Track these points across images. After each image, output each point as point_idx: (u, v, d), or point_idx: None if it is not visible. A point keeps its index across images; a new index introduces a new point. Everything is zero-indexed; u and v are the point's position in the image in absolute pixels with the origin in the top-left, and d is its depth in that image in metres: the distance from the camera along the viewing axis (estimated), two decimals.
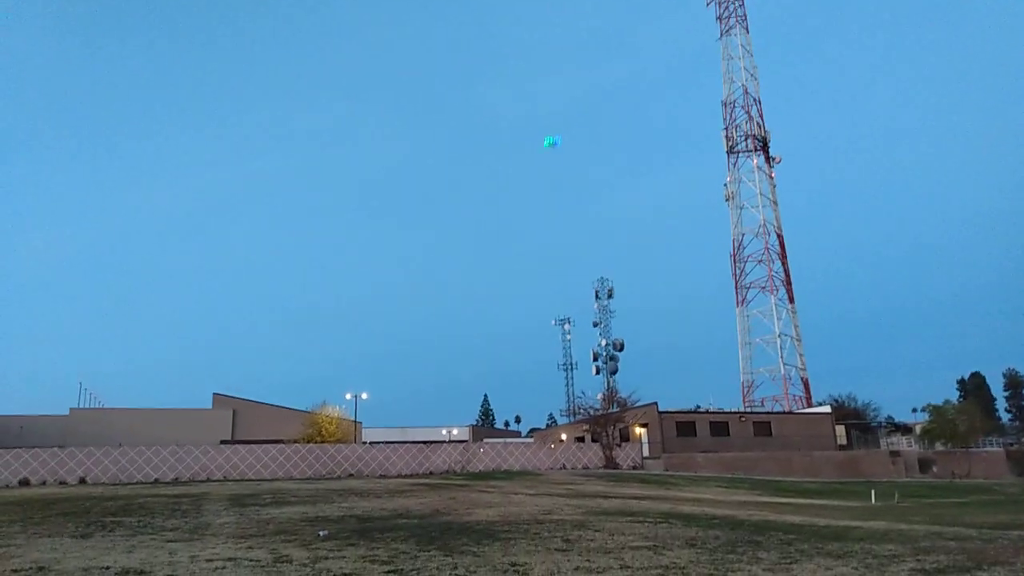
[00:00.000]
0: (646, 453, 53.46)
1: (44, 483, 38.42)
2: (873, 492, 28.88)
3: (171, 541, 12.39)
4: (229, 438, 55.59)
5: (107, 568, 9.41)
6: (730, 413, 64.93)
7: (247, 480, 39.91)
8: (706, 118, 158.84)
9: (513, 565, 9.33)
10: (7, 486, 37.12)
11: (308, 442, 49.29)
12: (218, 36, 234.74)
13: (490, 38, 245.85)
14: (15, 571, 9.29)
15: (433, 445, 50.28)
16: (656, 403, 58.29)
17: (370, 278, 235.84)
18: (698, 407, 67.58)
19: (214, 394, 62.02)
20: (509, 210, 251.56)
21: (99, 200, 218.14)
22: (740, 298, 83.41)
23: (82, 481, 39.21)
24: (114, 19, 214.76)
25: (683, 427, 58.83)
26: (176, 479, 40.39)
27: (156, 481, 39.15)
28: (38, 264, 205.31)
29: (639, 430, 57.39)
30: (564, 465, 49.23)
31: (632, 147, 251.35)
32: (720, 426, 60.10)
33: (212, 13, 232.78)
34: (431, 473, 44.40)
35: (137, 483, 38.21)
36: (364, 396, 57.45)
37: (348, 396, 57.11)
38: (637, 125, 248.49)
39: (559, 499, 22.03)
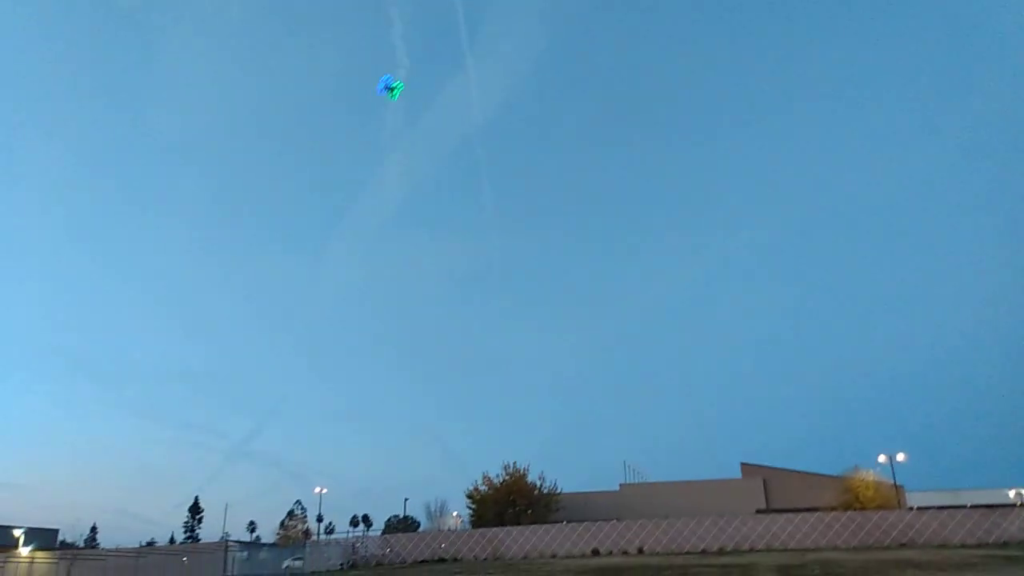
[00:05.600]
0: None
1: (610, 553, 43.56)
2: None
3: None
4: (763, 507, 55.67)
5: None
6: None
7: (789, 550, 39.31)
8: None
9: None
10: (583, 555, 43.11)
11: (845, 509, 46.50)
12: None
13: None
14: None
15: (1001, 510, 42.76)
16: None
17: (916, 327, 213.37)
18: None
19: (742, 464, 63.13)
20: None
21: (612, 299, 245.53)
22: None
23: (640, 551, 43.36)
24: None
25: None
26: (720, 549, 41.86)
27: (703, 551, 41.16)
28: (569, 365, 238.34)
29: None
30: None
31: None
32: None
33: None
34: (1005, 543, 37.66)
35: (686, 552, 40.77)
36: (900, 457, 52.24)
37: (882, 459, 52.58)
38: None
39: None
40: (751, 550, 40.28)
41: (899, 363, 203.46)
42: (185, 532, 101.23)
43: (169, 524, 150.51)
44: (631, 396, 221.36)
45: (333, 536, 71.03)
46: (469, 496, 56.10)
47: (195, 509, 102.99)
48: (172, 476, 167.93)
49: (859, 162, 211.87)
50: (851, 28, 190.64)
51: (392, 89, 25.88)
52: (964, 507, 45.56)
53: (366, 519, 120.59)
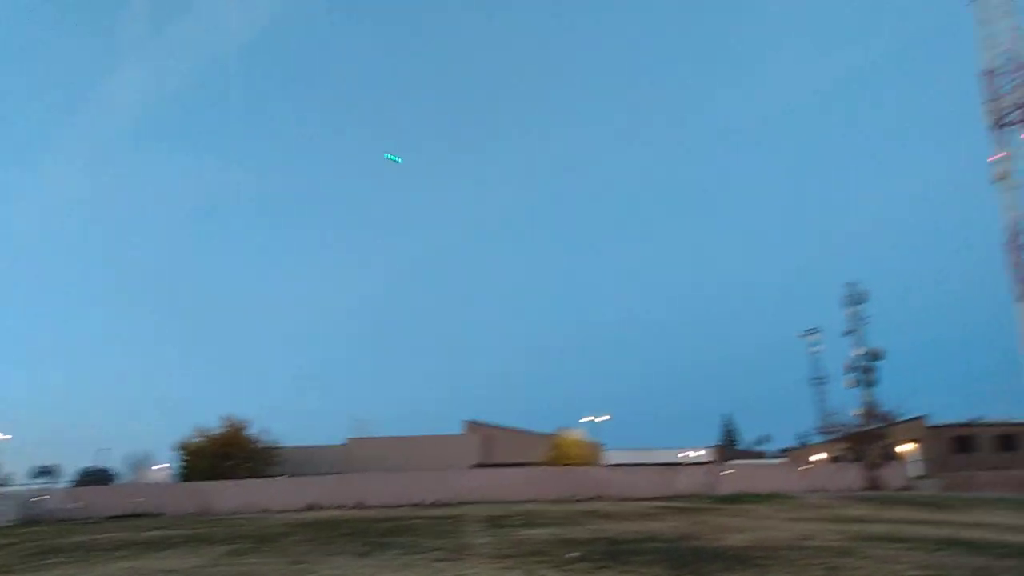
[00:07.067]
0: (915, 472, 48.15)
1: (328, 507, 43.18)
2: None
3: (438, 560, 13.41)
4: (480, 462, 58.71)
5: None
6: (1019, 425, 56.58)
7: (499, 502, 41.86)
8: (957, 93, 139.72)
9: None
10: (298, 509, 42.24)
11: (552, 465, 50.63)
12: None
13: (708, 43, 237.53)
14: None
15: (676, 467, 49.35)
16: (925, 416, 52.46)
17: (608, 304, 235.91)
18: (977, 418, 59.67)
19: (464, 421, 65.93)
20: (744, 217, 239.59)
21: (367, 247, 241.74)
22: (1022, 292, 72.75)
23: (358, 505, 43.51)
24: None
25: (960, 442, 52.47)
26: (436, 502, 43.40)
27: (419, 504, 42.37)
28: (317, 313, 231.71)
29: (906, 447, 51.92)
30: (821, 487, 45.84)
31: (865, 140, 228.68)
32: (1007, 440, 52.76)
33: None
34: (675, 496, 43.53)
35: (404, 505, 41.68)
36: (603, 418, 58.12)
37: (587, 419, 58.09)
38: (871, 115, 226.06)
39: (818, 524, 20.62)
40: (465, 503, 42.23)
41: (607, 334, 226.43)
42: None
43: None
44: (370, 352, 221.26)
45: (8, 488, 62.26)
46: (181, 448, 52.38)
47: None
48: None
49: (606, 143, 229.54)
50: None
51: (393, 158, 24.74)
52: (648, 465, 51.90)
53: (51, 470, 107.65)
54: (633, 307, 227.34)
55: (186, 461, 51.93)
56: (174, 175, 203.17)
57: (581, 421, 59.12)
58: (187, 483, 46.88)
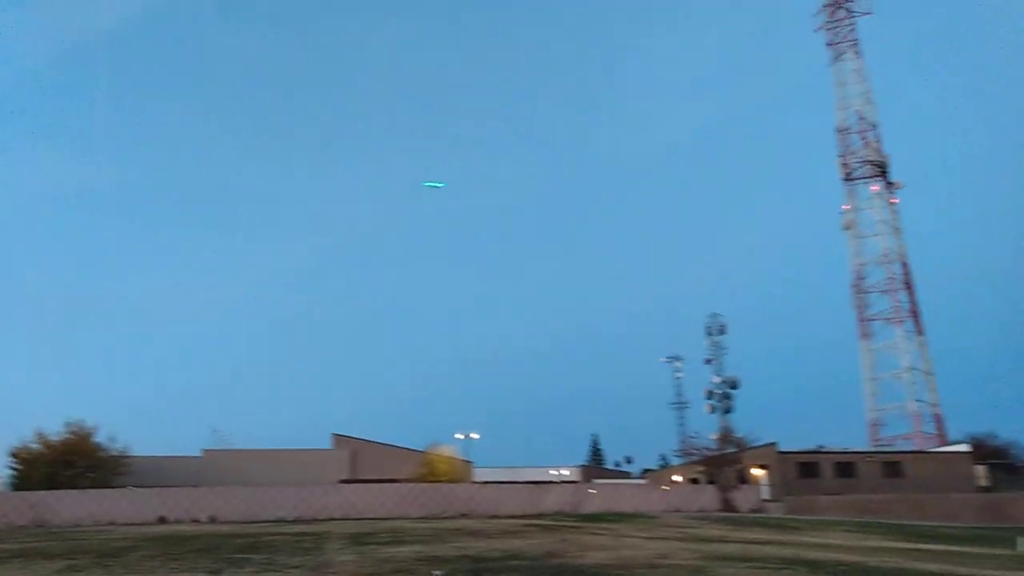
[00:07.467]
0: (765, 495, 51.12)
1: (179, 521, 40.75)
2: (1021, 540, 26.46)
3: None
4: (348, 477, 57.27)
5: None
6: (856, 453, 61.43)
7: (365, 519, 40.93)
8: (818, 145, 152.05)
9: None
10: (146, 523, 39.63)
11: (422, 481, 50.12)
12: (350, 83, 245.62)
13: (595, 83, 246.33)
14: None
15: (544, 486, 50.01)
16: (775, 443, 55.84)
17: (485, 320, 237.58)
18: (821, 447, 64.35)
19: (333, 434, 64.10)
20: (615, 249, 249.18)
21: (238, 255, 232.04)
22: (863, 331, 79.40)
23: (212, 520, 41.33)
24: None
25: (805, 468, 56.13)
26: (299, 518, 41.89)
27: (280, 520, 40.74)
28: (179, 318, 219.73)
29: (757, 471, 55.07)
30: (678, 508, 47.78)
31: (737, 182, 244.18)
32: (846, 467, 56.92)
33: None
34: (542, 514, 44.07)
35: (263, 521, 39.95)
36: (474, 436, 58.15)
37: (459, 436, 57.96)
38: (743, 159, 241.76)
39: (674, 543, 21.43)
40: (330, 519, 40.99)
41: (481, 353, 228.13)
42: None
43: None
44: (239, 362, 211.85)
45: None
46: (14, 455, 48.05)
47: None
48: None
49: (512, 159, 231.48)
50: None
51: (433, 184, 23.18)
52: (516, 483, 52.34)
53: None
54: (507, 328, 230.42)
55: (18, 469, 47.71)
56: (26, 161, 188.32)
57: (453, 438, 58.96)
58: (19, 492, 42.96)
